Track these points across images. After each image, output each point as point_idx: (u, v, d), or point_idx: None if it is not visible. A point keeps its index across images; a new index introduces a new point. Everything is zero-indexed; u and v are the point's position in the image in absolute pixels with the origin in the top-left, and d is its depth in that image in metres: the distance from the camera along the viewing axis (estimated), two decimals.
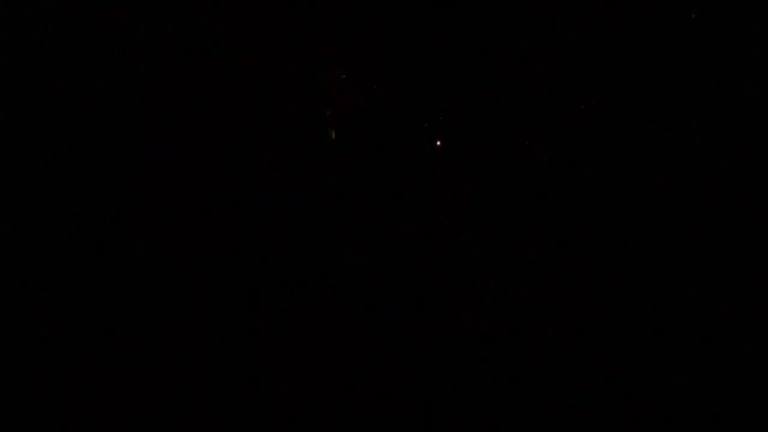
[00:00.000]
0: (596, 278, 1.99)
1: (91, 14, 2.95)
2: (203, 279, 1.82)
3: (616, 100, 2.18)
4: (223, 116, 2.36)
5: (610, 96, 2.17)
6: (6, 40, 2.82)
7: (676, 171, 2.28)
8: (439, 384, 2.37)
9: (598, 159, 2.06)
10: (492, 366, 1.86)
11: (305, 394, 1.82)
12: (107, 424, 1.76)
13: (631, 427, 1.58)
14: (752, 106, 2.06)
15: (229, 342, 1.95)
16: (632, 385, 1.72)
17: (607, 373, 1.76)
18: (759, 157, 2.00)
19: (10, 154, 2.85)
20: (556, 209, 2.09)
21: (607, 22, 2.10)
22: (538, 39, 3.12)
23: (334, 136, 4.03)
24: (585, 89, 2.25)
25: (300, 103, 4.10)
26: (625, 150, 2.20)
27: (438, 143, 3.72)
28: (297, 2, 2.12)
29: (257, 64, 2.26)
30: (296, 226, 2.69)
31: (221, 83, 2.27)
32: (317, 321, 1.97)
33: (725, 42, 2.34)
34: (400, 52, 4.12)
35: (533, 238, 2.10)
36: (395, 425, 1.74)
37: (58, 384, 1.82)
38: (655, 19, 1.81)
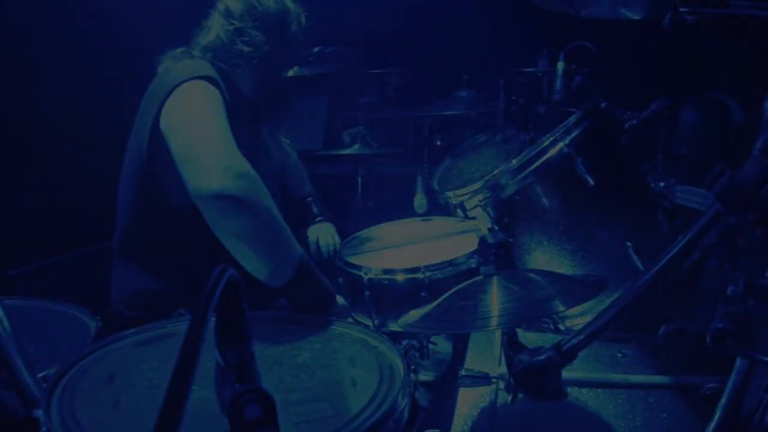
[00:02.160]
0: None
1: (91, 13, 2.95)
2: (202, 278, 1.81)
3: (619, 99, 2.18)
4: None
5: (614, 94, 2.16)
6: (6, 38, 2.82)
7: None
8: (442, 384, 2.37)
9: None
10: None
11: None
12: None
13: (632, 427, 1.58)
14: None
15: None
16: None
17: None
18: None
19: (9, 152, 2.85)
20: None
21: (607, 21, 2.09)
22: (539, 38, 3.12)
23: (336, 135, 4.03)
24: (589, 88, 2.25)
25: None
26: (627, 149, 2.19)
27: (438, 143, 3.72)
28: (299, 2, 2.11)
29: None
30: (295, 226, 2.69)
31: None
32: None
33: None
34: (403, 51, 4.13)
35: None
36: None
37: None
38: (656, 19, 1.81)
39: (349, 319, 1.86)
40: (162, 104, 1.75)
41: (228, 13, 1.97)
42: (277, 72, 2.10)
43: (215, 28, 1.99)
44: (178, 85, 1.76)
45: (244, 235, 1.60)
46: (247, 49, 1.95)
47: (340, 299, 1.85)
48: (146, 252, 2.01)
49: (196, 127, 1.69)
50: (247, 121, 2.02)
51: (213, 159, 1.59)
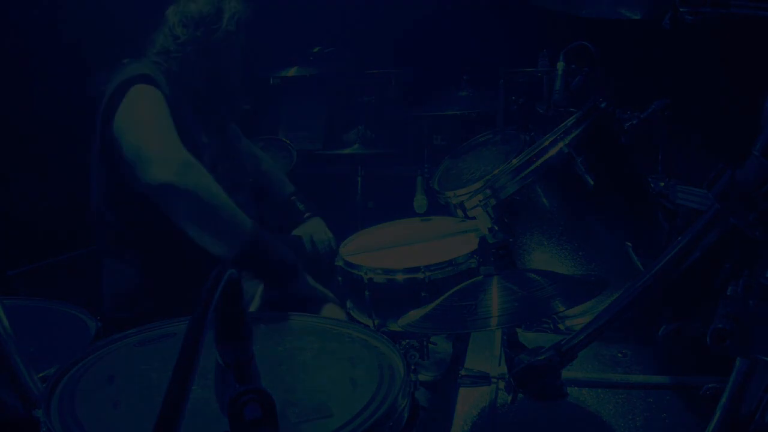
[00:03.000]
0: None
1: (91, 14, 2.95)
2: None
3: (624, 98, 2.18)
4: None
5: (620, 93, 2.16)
6: (6, 39, 2.82)
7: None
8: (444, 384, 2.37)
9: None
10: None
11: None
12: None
13: (632, 427, 1.58)
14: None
15: None
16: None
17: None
18: None
19: (10, 153, 2.85)
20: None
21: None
22: (539, 38, 3.11)
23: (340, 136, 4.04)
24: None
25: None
26: (627, 149, 2.19)
27: (438, 143, 3.72)
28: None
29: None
30: (285, 227, 2.69)
31: None
32: None
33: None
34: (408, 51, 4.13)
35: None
36: None
37: None
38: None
39: (328, 309, 1.95)
40: (105, 109, 1.94)
41: (165, 18, 2.16)
42: (217, 67, 2.19)
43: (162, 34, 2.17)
44: (118, 88, 1.93)
45: (190, 215, 1.79)
46: (171, 44, 2.12)
47: (312, 281, 1.97)
48: (123, 244, 2.09)
49: (138, 131, 1.89)
50: (204, 114, 2.19)
51: (155, 155, 1.81)
